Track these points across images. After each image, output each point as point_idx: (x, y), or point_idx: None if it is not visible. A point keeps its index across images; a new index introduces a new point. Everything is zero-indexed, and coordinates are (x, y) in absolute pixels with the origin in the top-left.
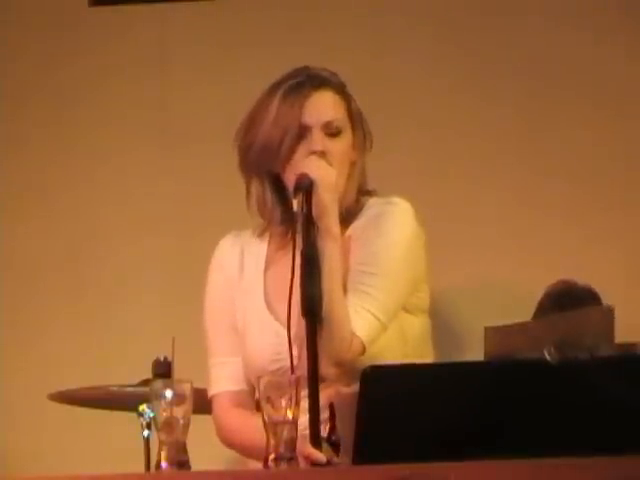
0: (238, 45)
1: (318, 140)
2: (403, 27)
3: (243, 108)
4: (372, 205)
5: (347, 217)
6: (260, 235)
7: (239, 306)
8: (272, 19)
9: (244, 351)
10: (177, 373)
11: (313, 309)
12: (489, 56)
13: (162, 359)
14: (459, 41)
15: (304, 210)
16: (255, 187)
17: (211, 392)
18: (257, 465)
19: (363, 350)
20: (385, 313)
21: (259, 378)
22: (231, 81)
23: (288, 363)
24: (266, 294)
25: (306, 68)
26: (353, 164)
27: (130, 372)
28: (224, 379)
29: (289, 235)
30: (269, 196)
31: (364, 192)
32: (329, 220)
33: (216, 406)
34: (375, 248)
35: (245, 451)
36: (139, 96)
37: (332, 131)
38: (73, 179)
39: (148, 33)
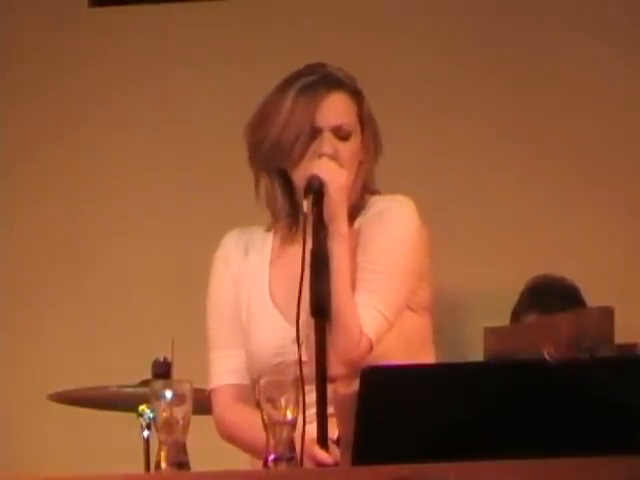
0: (239, 45)
1: (328, 142)
2: (405, 29)
3: (244, 108)
4: (376, 202)
5: (352, 213)
6: (268, 230)
7: (243, 300)
8: (273, 19)
9: (247, 344)
10: (176, 373)
11: (322, 309)
12: (489, 54)
13: (162, 359)
14: (459, 41)
15: (314, 211)
16: (264, 182)
17: (212, 385)
18: (259, 464)
19: (371, 348)
20: (392, 311)
21: (259, 378)
22: (232, 82)
23: (290, 358)
24: (271, 287)
25: (322, 65)
26: (361, 164)
27: (130, 372)
28: (226, 372)
29: (294, 229)
30: (278, 192)
31: (369, 191)
32: (339, 221)
33: (217, 400)
34: (380, 246)
35: (246, 448)
36: (140, 96)
37: (342, 134)
38: (73, 179)
39: (148, 34)
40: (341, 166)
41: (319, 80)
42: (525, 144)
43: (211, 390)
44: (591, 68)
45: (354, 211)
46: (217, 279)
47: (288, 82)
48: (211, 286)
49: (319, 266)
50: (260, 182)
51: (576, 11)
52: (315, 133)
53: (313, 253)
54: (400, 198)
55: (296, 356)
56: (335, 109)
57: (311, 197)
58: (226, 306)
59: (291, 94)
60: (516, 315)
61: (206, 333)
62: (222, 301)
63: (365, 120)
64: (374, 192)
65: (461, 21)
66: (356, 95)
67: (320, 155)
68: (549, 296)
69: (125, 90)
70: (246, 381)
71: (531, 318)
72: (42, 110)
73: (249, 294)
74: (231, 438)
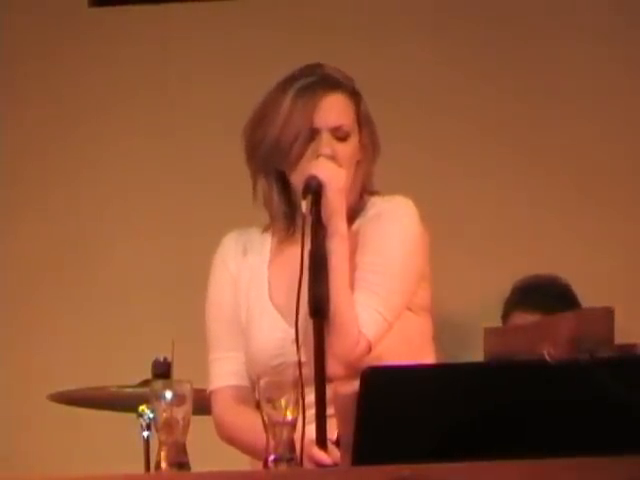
0: (239, 46)
1: (327, 143)
2: (406, 33)
3: (244, 108)
4: (375, 203)
5: (351, 214)
6: (265, 230)
7: (242, 301)
8: (274, 20)
9: (247, 345)
10: (177, 374)
11: (321, 309)
12: (489, 55)
13: (162, 360)
14: (459, 42)
15: (313, 211)
16: (262, 184)
17: (211, 387)
18: (259, 465)
19: (369, 349)
20: (392, 314)
21: (259, 378)
22: (233, 82)
23: (290, 359)
24: (270, 288)
25: (319, 66)
26: (359, 163)
27: (130, 373)
28: (226, 374)
29: (291, 230)
30: (275, 193)
31: (368, 192)
32: (337, 221)
33: (217, 401)
34: (380, 246)
35: (246, 450)
36: (140, 96)
37: (341, 135)
38: (73, 179)
39: (148, 34)
40: (340, 166)
41: (317, 81)
42: (525, 147)
43: (211, 392)
44: (591, 72)
45: (353, 213)
46: (216, 281)
47: (286, 83)
48: (210, 288)
49: (318, 266)
50: (258, 184)
51: (575, 15)
52: (313, 134)
53: (312, 253)
54: (400, 199)
55: (296, 357)
56: (334, 110)
57: (309, 197)
58: (225, 307)
59: (289, 95)
60: (505, 314)
61: (205, 334)
62: (221, 302)
63: (363, 120)
64: (373, 193)
65: (462, 25)
66: (354, 96)
67: (318, 156)
68: (536, 294)
69: (125, 90)
70: (245, 383)
71: (517, 316)
72: (42, 110)
73: (248, 295)
74: (231, 439)
